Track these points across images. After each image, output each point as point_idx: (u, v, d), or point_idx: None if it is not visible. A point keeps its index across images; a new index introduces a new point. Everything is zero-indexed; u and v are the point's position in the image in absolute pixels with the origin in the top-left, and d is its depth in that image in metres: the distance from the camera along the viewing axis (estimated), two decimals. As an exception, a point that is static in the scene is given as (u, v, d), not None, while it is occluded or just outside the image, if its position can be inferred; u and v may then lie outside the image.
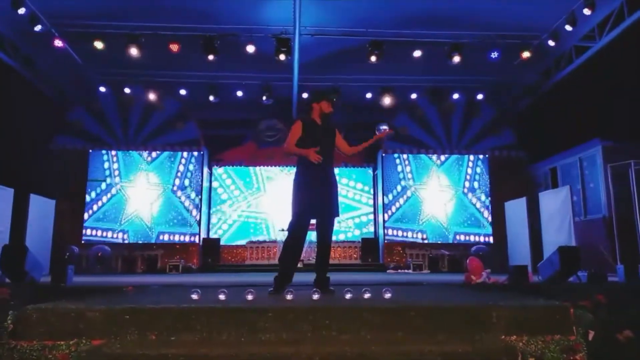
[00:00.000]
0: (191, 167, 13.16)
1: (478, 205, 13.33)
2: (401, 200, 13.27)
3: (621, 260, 8.68)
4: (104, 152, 13.05)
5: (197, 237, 12.87)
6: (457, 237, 13.15)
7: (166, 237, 12.81)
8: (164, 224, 12.88)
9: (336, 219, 4.46)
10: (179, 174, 13.11)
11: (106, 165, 13.03)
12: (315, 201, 4.27)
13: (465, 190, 13.40)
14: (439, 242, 12.98)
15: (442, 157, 13.51)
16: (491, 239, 13.05)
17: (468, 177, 13.46)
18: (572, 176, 11.73)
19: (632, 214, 8.95)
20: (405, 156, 13.47)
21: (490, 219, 13.22)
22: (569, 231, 9.32)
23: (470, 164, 13.54)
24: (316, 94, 4.64)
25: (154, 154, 13.19)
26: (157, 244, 12.64)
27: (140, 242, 12.65)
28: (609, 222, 10.05)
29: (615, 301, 3.54)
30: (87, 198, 12.78)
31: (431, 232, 13.13)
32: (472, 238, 13.12)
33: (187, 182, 13.08)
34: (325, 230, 4.38)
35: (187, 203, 12.98)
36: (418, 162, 13.49)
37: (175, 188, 13.06)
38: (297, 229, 4.29)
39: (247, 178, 14.15)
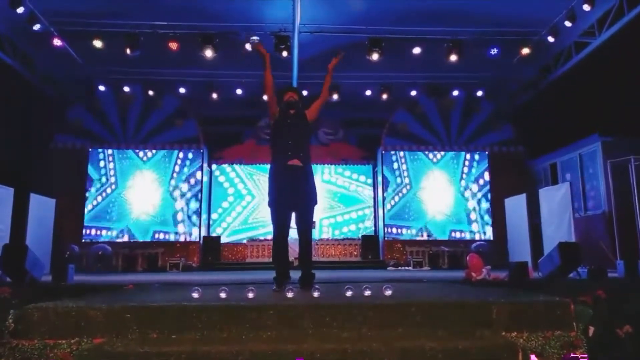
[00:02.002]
0: (186, 168, 13.12)
1: (470, 205, 13.29)
2: (396, 198, 13.26)
3: (621, 256, 8.69)
4: (100, 150, 13.04)
5: (192, 235, 12.90)
6: (453, 234, 13.17)
7: (161, 236, 12.82)
8: (159, 223, 12.87)
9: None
10: (174, 174, 13.07)
11: (102, 164, 13.02)
12: (286, 191, 4.28)
13: (461, 188, 13.37)
14: (440, 239, 13.01)
15: (439, 155, 13.46)
16: (478, 236, 13.10)
17: (464, 175, 13.42)
18: (572, 172, 11.74)
19: (632, 209, 8.95)
20: (402, 154, 13.42)
21: (477, 218, 13.21)
22: (569, 227, 9.32)
23: (467, 163, 13.49)
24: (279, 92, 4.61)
25: (149, 154, 13.14)
26: (158, 243, 12.64)
27: (140, 240, 12.67)
28: (608, 217, 10.06)
29: (615, 297, 3.55)
30: (88, 196, 12.78)
31: (434, 229, 13.14)
32: (466, 235, 13.14)
33: (183, 183, 13.05)
34: (301, 223, 4.37)
35: (180, 205, 12.95)
36: (415, 162, 13.45)
37: (171, 188, 13.02)
38: (277, 224, 4.33)
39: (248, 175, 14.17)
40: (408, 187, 13.31)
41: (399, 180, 13.31)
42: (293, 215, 4.40)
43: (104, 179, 12.96)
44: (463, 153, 13.50)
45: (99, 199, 12.88)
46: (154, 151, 13.16)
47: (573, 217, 9.43)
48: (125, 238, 12.68)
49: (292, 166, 4.28)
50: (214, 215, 13.88)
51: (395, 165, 13.37)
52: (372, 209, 14.19)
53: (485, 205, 13.27)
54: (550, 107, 12.63)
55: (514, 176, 13.02)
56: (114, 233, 12.72)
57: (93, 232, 12.68)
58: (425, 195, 13.28)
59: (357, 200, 14.28)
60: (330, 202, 14.06)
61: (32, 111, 11.91)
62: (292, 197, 4.29)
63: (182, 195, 12.99)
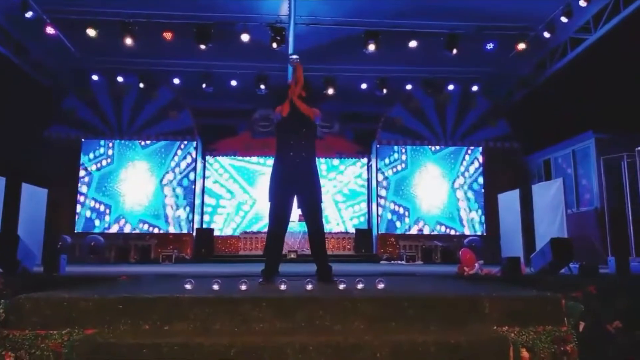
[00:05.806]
0: (183, 164, 13.04)
1: (462, 204, 13.33)
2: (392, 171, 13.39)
3: (612, 252, 8.76)
4: (102, 142, 12.98)
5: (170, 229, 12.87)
6: (438, 227, 13.21)
7: (145, 227, 12.76)
8: (146, 215, 12.83)
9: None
10: (169, 170, 12.98)
11: (102, 150, 12.93)
12: (291, 187, 4.23)
13: (457, 185, 13.40)
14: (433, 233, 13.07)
15: (437, 147, 13.51)
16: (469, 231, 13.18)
17: (461, 173, 13.44)
18: (565, 168, 11.79)
19: (624, 206, 9.02)
20: (403, 150, 13.47)
21: (471, 217, 13.27)
22: (562, 223, 9.37)
23: (465, 161, 13.50)
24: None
25: (148, 141, 13.08)
26: (151, 234, 12.60)
27: (129, 232, 12.63)
28: (600, 214, 10.13)
29: (605, 293, 3.58)
30: (81, 186, 12.71)
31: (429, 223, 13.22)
32: (451, 232, 13.20)
33: (175, 178, 12.97)
34: (310, 217, 4.31)
35: (170, 200, 12.87)
36: (414, 151, 13.49)
37: (164, 182, 12.94)
38: (275, 217, 4.25)
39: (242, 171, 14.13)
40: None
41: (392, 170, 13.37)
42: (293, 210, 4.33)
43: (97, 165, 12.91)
44: (460, 149, 13.49)
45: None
46: (149, 142, 13.06)
47: (565, 213, 9.48)
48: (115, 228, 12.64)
49: (297, 162, 4.21)
50: (207, 209, 13.85)
51: (389, 160, 13.40)
52: (365, 203, 14.22)
53: (468, 209, 13.29)
54: (545, 103, 12.66)
55: (509, 172, 13.06)
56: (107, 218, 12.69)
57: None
58: (420, 189, 13.32)
59: (354, 193, 14.31)
60: (324, 196, 14.03)
61: (26, 100, 11.79)
62: (294, 190, 4.24)
63: (175, 187, 12.93)
